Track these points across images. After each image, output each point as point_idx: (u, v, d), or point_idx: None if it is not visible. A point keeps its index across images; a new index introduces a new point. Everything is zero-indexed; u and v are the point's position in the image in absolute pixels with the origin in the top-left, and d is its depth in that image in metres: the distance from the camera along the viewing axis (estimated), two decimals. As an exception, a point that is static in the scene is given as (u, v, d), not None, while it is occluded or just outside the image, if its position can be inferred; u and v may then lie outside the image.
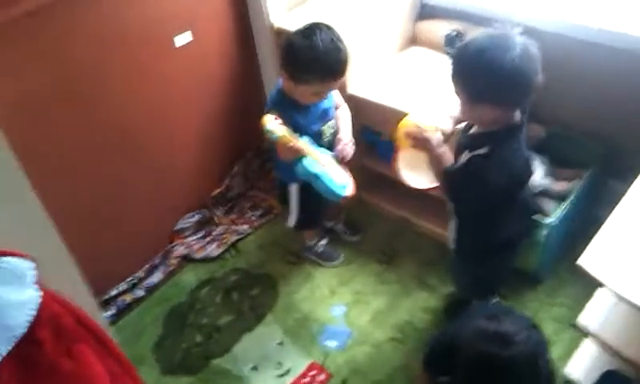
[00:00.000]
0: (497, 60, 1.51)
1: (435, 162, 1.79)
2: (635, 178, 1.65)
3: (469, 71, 1.59)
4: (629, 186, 1.65)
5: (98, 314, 1.48)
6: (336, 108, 2.19)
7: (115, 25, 2.11)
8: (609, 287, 1.48)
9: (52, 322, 1.18)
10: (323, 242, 2.50)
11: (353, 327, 2.24)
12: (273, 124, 1.94)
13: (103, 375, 1.24)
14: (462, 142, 1.77)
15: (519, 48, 1.52)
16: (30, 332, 1.15)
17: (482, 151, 1.67)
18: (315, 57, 1.90)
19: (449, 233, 1.96)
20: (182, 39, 2.35)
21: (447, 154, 1.77)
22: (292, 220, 2.34)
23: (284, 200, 2.32)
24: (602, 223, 1.57)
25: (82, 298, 1.33)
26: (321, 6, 2.57)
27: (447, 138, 1.85)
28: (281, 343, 2.23)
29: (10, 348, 1.13)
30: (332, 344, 2.20)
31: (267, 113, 1.99)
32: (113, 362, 1.29)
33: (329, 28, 1.95)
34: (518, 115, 1.66)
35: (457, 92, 1.66)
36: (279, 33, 2.51)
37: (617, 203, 1.61)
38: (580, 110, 2.28)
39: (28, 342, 1.15)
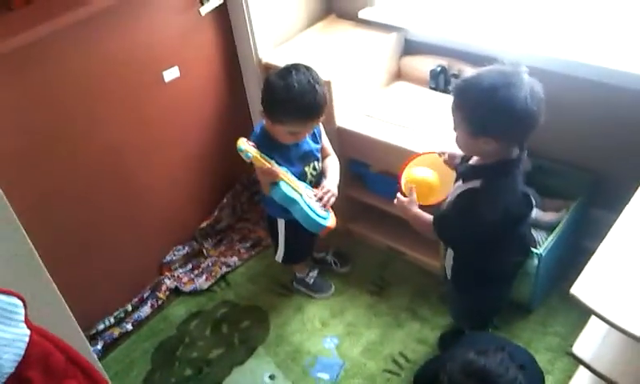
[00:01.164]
0: (510, 99, 1.50)
1: (415, 221, 1.82)
2: (621, 207, 1.67)
3: (477, 105, 1.56)
4: (614, 215, 1.66)
5: (88, 351, 1.45)
6: (325, 157, 2.19)
7: (104, 61, 2.11)
8: (602, 316, 1.49)
9: (41, 360, 1.16)
10: (313, 273, 2.49)
11: (345, 359, 2.22)
12: (246, 144, 1.92)
13: (93, 414, 1.22)
14: (461, 170, 1.77)
15: (528, 88, 1.52)
16: (19, 371, 1.13)
17: (474, 185, 1.66)
18: (291, 98, 1.89)
19: (445, 262, 1.95)
20: (170, 74, 2.35)
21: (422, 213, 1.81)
22: (280, 255, 2.34)
23: (272, 234, 2.32)
24: (589, 252, 1.58)
25: (71, 334, 1.31)
26: (308, 41, 2.59)
27: (457, 161, 1.86)
28: (272, 376, 2.20)
29: (-3, 388, 1.11)
30: (324, 376, 2.18)
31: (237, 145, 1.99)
32: (103, 400, 1.26)
33: (307, 69, 1.95)
34: (516, 151, 1.65)
35: (457, 123, 1.64)
36: (267, 68, 2.53)
37: (603, 233, 1.62)
38: (565, 142, 2.30)
39: (16, 382, 1.12)
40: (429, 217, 1.79)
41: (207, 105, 2.58)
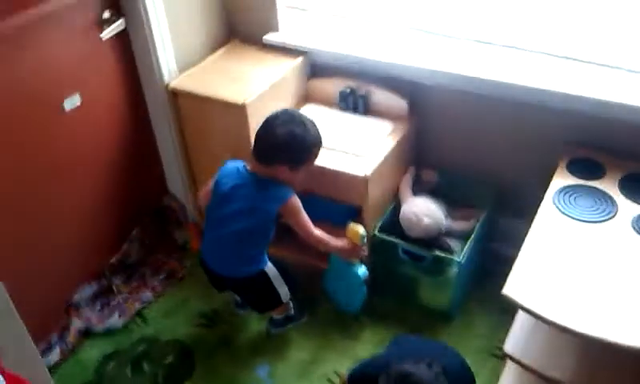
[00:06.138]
0: None
1: None
2: (524, 215, 1.82)
3: None
4: (518, 222, 1.81)
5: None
6: None
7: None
8: (534, 312, 1.61)
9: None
10: (290, 304, 2.34)
11: (279, 384, 2.19)
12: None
13: None
14: None
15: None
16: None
17: None
18: (315, 133, 2.15)
19: None
20: (71, 102, 2.23)
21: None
22: (286, 294, 2.22)
23: (261, 289, 2.19)
24: (500, 257, 1.71)
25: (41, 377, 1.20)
26: (214, 66, 2.56)
27: None
28: (205, 411, 2.13)
29: None
30: (261, 405, 2.13)
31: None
32: None
33: (292, 112, 2.20)
34: None
35: None
36: (175, 94, 2.47)
37: (512, 238, 1.77)
38: (468, 154, 2.46)
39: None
40: None
41: (110, 134, 2.47)
